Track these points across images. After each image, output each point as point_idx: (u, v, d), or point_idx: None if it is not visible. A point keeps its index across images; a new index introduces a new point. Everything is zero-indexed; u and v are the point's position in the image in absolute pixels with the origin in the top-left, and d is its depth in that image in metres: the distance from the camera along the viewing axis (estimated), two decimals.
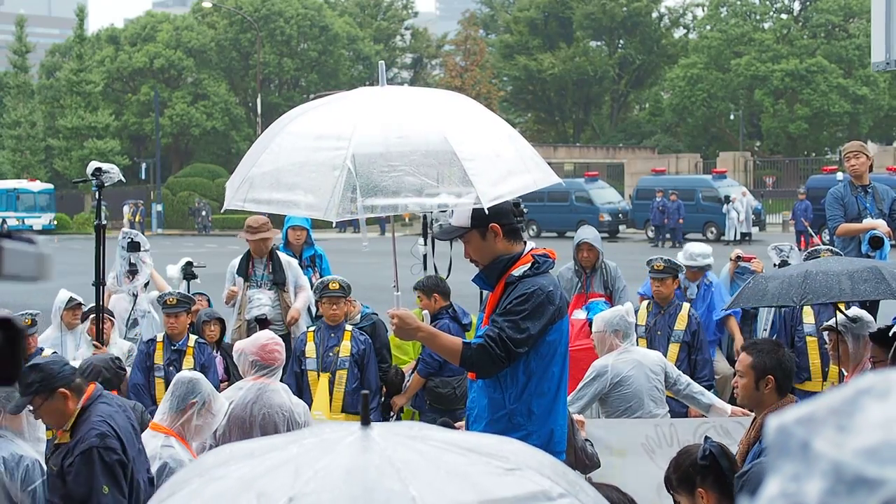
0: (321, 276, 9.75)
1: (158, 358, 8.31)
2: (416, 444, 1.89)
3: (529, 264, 4.99)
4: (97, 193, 8.12)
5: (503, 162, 4.97)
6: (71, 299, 9.18)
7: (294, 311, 9.38)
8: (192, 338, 8.48)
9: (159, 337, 8.50)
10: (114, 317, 9.06)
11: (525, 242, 5.14)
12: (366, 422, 1.93)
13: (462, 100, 5.44)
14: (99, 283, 8.18)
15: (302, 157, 5.10)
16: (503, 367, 4.90)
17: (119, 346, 8.70)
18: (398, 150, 4.96)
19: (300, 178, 5.06)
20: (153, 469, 5.24)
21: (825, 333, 6.67)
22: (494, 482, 1.81)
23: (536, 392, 4.96)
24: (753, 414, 5.12)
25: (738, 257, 10.29)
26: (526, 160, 5.07)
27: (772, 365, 4.90)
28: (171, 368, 8.19)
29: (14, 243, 1.44)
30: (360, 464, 1.80)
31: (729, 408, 7.09)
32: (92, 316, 8.45)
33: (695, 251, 9.91)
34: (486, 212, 4.80)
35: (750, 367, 4.91)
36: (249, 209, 5.33)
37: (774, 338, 8.55)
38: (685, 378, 7.31)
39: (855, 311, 6.48)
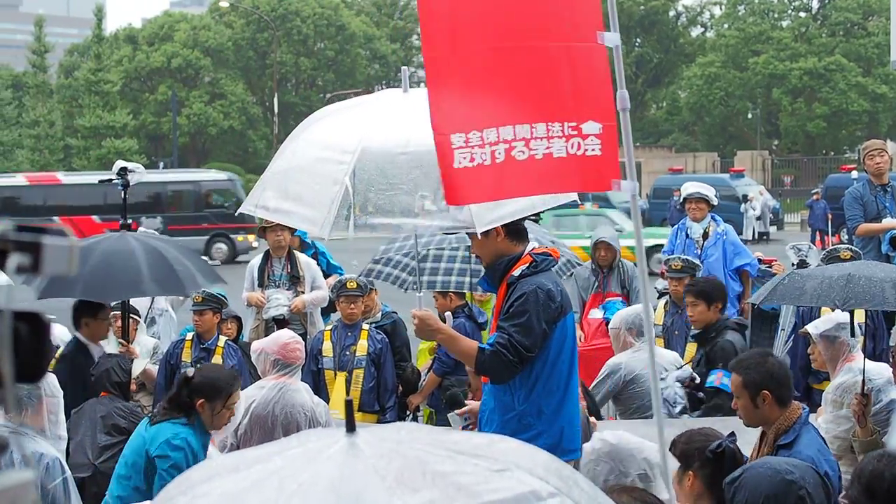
0: (323, 272, 9.73)
1: (186, 356, 8.28)
2: (402, 448, 1.86)
3: (528, 264, 5.00)
4: (123, 192, 8.11)
5: None
6: None
7: (299, 301, 9.33)
8: (223, 338, 8.44)
9: (189, 336, 8.50)
10: (139, 315, 9.00)
11: (528, 242, 5.14)
12: (351, 428, 1.90)
13: None
14: None
15: (308, 168, 5.14)
16: (517, 372, 4.91)
17: (144, 344, 8.65)
18: (400, 167, 4.96)
19: (304, 189, 5.11)
20: None
21: (805, 338, 6.62)
22: (481, 485, 1.78)
23: (545, 391, 4.96)
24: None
25: (759, 260, 10.19)
26: None
27: (762, 379, 4.68)
28: (197, 366, 8.21)
29: (51, 238, 1.45)
30: (344, 474, 1.77)
31: None
32: (116, 313, 8.43)
33: (691, 186, 9.91)
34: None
35: (742, 386, 4.73)
36: (259, 215, 5.41)
37: (791, 338, 8.51)
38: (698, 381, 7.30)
39: (838, 313, 6.39)
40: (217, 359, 8.21)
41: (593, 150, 4.34)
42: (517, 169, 4.30)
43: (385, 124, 5.14)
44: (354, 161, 4.87)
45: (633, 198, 4.52)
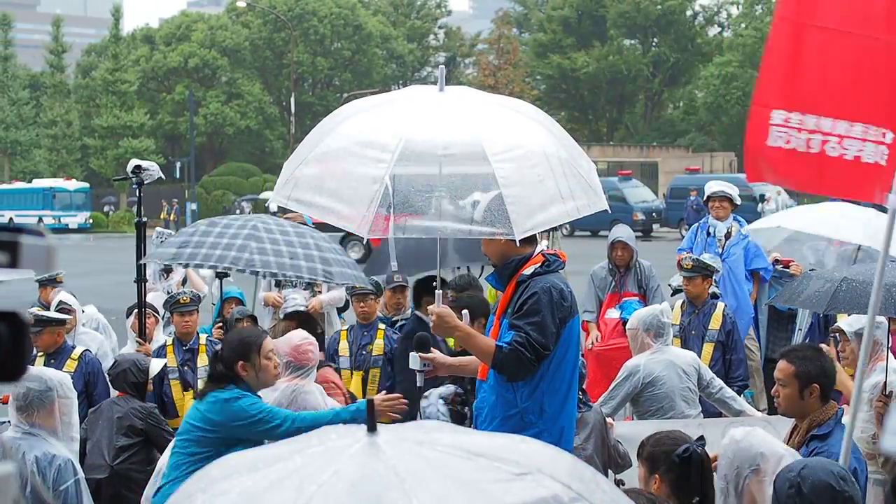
0: None
1: (171, 361, 8.19)
2: (423, 449, 1.85)
3: (540, 264, 5.03)
4: (137, 191, 8.11)
5: (545, 189, 4.85)
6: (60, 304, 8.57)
7: (316, 301, 9.31)
8: (203, 336, 8.40)
9: (168, 341, 8.41)
10: (157, 312, 8.94)
11: (537, 244, 5.17)
12: (372, 428, 1.89)
13: (518, 111, 5.27)
14: (141, 279, 8.18)
15: (346, 164, 5.06)
16: (533, 370, 4.93)
17: (161, 343, 8.66)
18: (440, 170, 4.91)
19: (342, 185, 5.02)
20: None
21: (836, 335, 6.54)
22: (502, 489, 1.76)
23: (548, 390, 4.98)
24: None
25: (776, 261, 10.12)
26: (572, 185, 4.94)
27: (817, 373, 4.73)
28: (185, 369, 8.16)
29: (28, 237, 1.50)
30: (364, 475, 1.76)
31: (759, 415, 7.03)
32: (136, 311, 8.41)
33: (715, 184, 9.96)
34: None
35: (794, 376, 4.73)
36: (291, 208, 5.30)
37: (809, 338, 8.46)
38: (718, 381, 7.25)
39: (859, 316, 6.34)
40: (202, 357, 8.17)
41: (881, 158, 4.08)
42: (826, 165, 4.08)
43: (425, 123, 5.05)
44: (395, 160, 4.81)
45: (891, 213, 4.15)
